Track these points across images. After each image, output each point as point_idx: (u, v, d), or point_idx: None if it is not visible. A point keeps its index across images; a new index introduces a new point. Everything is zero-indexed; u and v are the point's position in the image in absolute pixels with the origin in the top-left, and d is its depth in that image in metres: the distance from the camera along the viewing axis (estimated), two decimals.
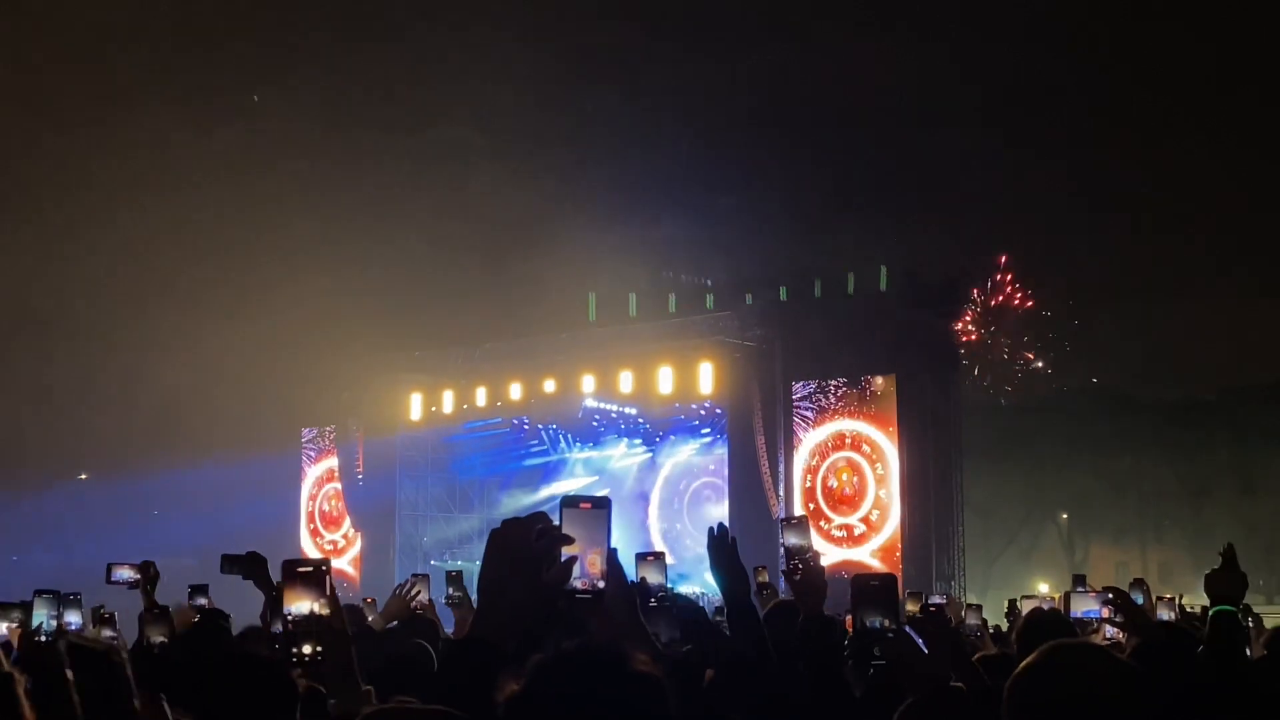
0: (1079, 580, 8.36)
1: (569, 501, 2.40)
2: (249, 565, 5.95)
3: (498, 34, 33.97)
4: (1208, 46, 43.57)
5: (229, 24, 31.68)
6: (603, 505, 2.40)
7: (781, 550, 4.22)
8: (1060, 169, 46.71)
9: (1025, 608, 7.87)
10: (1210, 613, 4.56)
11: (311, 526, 32.27)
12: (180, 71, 31.17)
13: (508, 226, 30.60)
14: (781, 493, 24.31)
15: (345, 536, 31.36)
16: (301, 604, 3.61)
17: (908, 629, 3.90)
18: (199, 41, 31.87)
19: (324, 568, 3.72)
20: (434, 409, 29.28)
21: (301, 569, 3.65)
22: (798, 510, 23.97)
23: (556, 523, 2.36)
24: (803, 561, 4.06)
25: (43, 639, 3.87)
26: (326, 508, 32.12)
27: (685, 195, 31.77)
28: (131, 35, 29.73)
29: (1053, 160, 45.78)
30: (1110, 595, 6.27)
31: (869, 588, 3.74)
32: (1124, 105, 46.06)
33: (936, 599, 9.99)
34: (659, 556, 4.28)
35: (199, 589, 6.26)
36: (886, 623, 3.67)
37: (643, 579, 4.07)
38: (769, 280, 25.90)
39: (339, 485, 31.38)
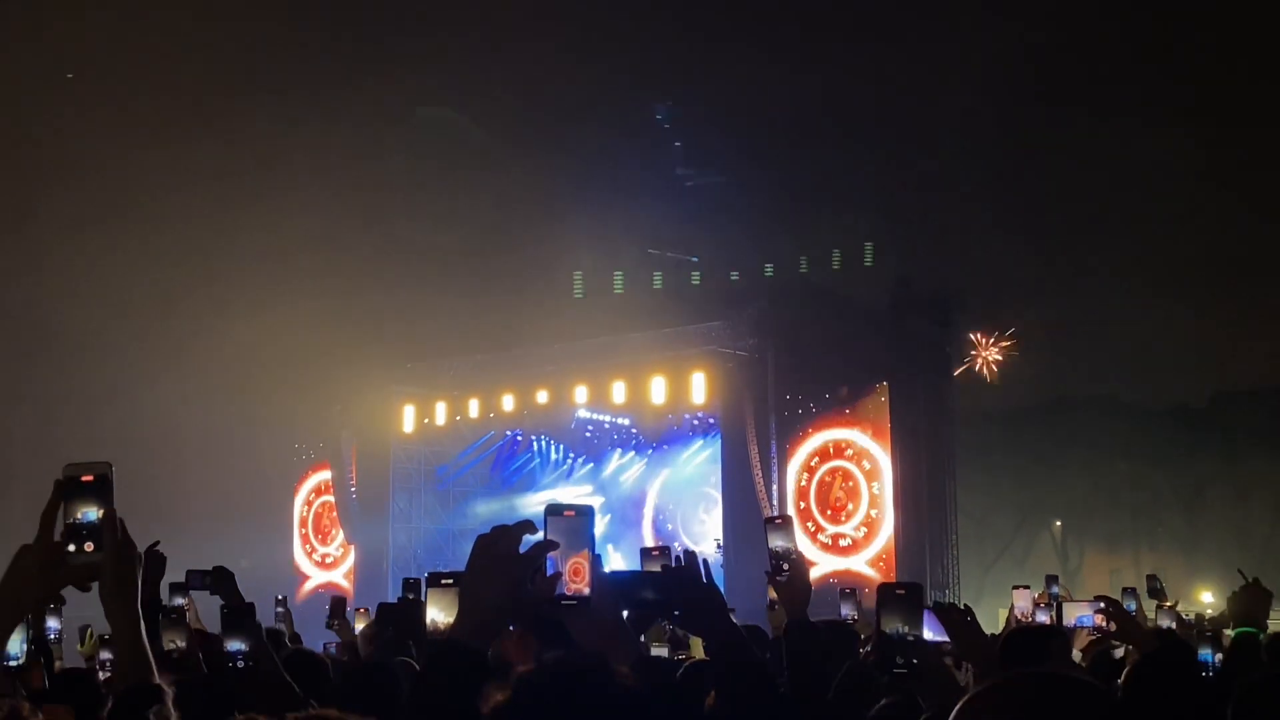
0: (1052, 580, 8.36)
1: (553, 510, 2.44)
2: (216, 579, 5.89)
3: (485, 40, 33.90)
4: (1209, 42, 43.59)
5: (220, 27, 31.59)
6: (585, 513, 2.46)
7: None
8: (1054, 175, 46.70)
9: (1017, 599, 7.83)
10: (1234, 634, 4.64)
11: (303, 533, 32.24)
12: (174, 79, 31.08)
13: (498, 225, 30.55)
14: (775, 502, 24.31)
15: (339, 549, 31.34)
16: (440, 612, 3.77)
17: (929, 612, 3.87)
18: (190, 49, 31.79)
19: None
20: (426, 421, 29.27)
21: (445, 580, 3.80)
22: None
23: (542, 531, 2.40)
24: (788, 563, 4.03)
25: (11, 664, 3.81)
26: (320, 521, 32.09)
27: (670, 174, 31.48)
28: (124, 41, 29.63)
29: (1046, 167, 45.77)
30: (1103, 605, 6.29)
31: (895, 595, 3.72)
32: (1113, 109, 46.13)
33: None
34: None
35: (178, 587, 6.18)
36: (908, 629, 3.66)
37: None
38: (754, 259, 25.82)
39: (332, 498, 31.36)
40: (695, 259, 25.75)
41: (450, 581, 3.88)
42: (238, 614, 4.92)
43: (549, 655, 2.19)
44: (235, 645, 4.76)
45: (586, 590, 2.42)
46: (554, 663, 2.15)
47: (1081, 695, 1.97)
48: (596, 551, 2.48)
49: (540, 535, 2.38)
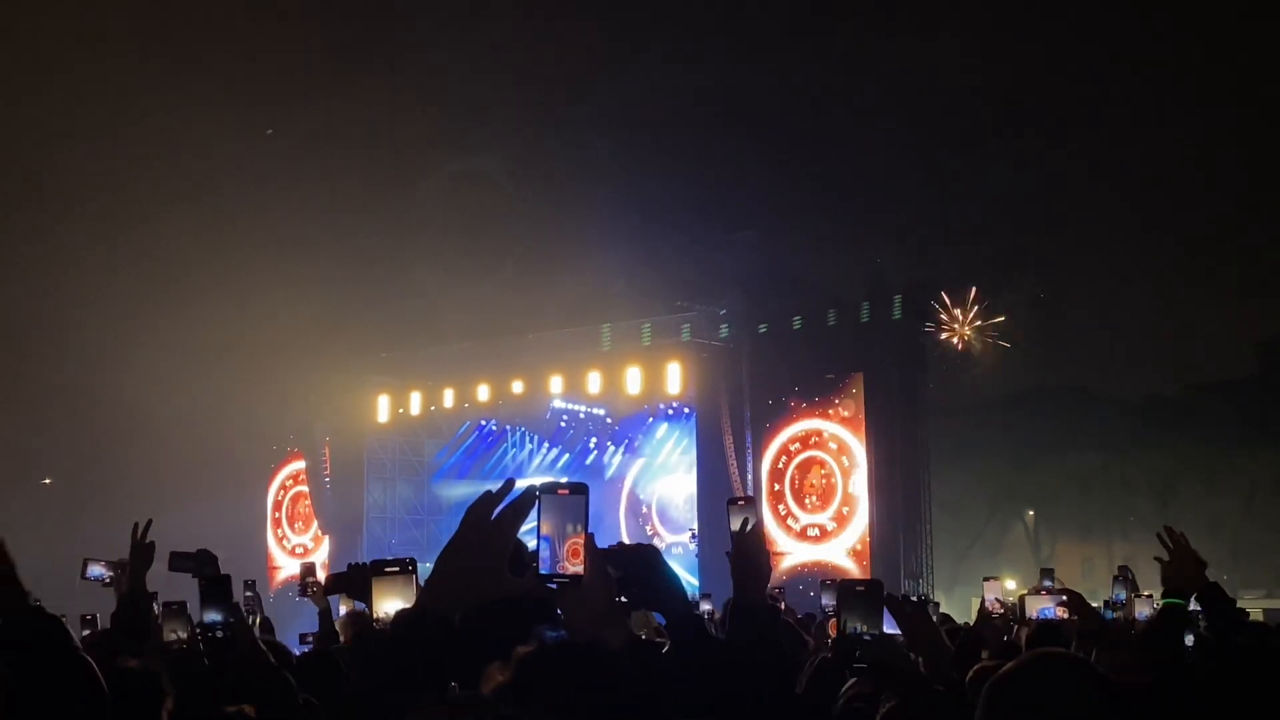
0: (1047, 574, 8.35)
1: (547, 488, 2.39)
2: (200, 562, 5.87)
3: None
4: (1193, 35, 43.80)
5: (200, 36, 31.42)
6: (580, 490, 2.40)
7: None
8: (1029, 170, 46.92)
9: (987, 591, 7.84)
10: (1160, 605, 4.77)
11: (277, 520, 32.13)
12: (155, 84, 30.88)
13: (493, 227, 30.50)
14: (750, 492, 24.35)
15: (314, 539, 31.26)
16: (391, 602, 3.73)
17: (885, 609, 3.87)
18: (176, 55, 31.60)
19: (410, 567, 3.88)
20: (401, 411, 29.20)
21: (390, 569, 3.76)
22: (765, 509, 24.05)
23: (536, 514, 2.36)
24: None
25: None
26: (293, 511, 31.99)
27: (699, 225, 31.22)
28: (111, 45, 29.45)
29: (1023, 161, 46.01)
30: (1064, 598, 6.32)
31: (854, 593, 3.72)
32: (1083, 102, 46.31)
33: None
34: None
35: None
36: (866, 627, 3.65)
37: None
38: (782, 310, 25.46)
39: (305, 488, 31.26)
40: (724, 311, 25.48)
41: (396, 570, 3.85)
42: (216, 585, 4.95)
43: (550, 637, 2.18)
44: (213, 616, 4.83)
45: (579, 570, 2.40)
46: (554, 642, 2.15)
47: (1094, 679, 2.10)
48: (591, 531, 2.45)
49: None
